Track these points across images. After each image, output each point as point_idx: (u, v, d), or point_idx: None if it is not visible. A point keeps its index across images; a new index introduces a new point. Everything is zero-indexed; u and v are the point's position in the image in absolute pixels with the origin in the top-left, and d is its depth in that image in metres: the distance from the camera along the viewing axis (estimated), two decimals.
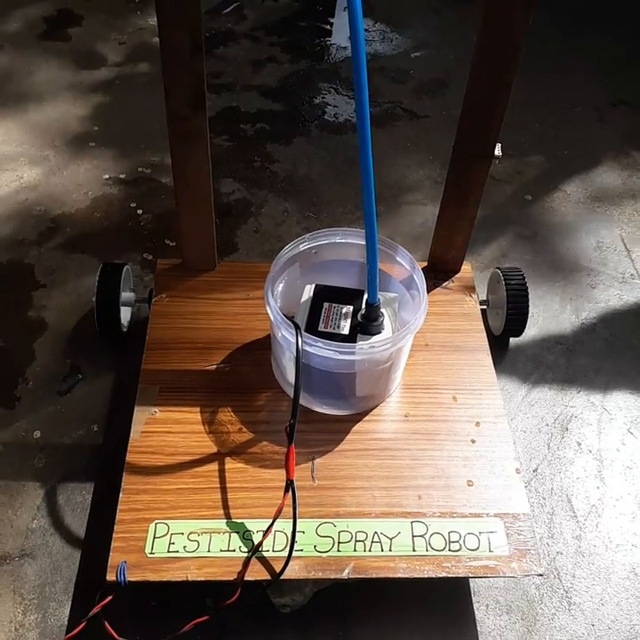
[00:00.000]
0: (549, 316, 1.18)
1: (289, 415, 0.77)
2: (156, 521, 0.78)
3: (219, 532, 0.77)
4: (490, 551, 0.77)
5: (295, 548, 0.75)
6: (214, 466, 0.83)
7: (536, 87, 1.64)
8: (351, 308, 0.86)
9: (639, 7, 1.97)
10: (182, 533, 0.77)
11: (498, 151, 0.90)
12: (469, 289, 1.04)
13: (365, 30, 1.84)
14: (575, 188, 1.43)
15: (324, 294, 0.88)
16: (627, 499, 0.95)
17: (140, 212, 1.31)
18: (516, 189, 1.41)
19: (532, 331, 1.15)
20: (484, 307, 1.11)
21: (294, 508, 0.76)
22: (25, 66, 1.63)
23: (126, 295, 1.06)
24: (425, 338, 0.96)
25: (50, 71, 1.62)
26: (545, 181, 1.44)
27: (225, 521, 0.78)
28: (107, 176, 1.38)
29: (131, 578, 0.73)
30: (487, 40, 0.80)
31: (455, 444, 0.87)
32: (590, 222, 1.36)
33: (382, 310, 0.84)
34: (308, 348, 0.78)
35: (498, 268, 1.11)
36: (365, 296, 0.82)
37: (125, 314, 1.08)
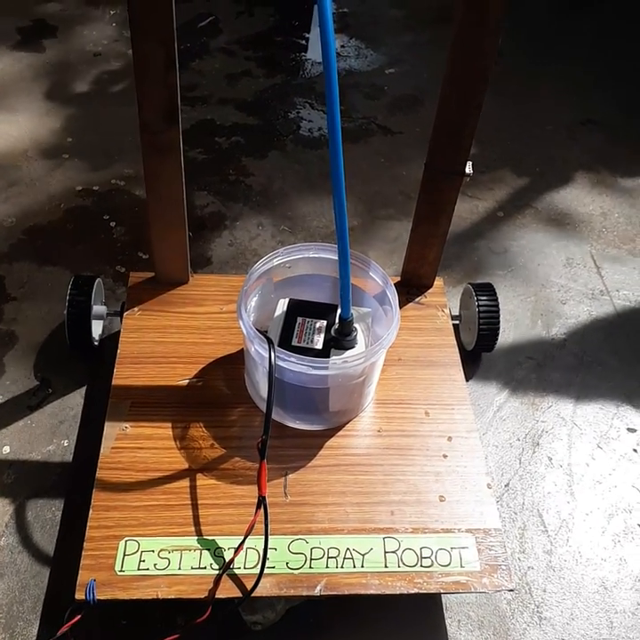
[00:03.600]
0: (520, 331, 1.19)
1: (262, 430, 0.76)
2: (127, 538, 0.77)
3: (190, 550, 0.76)
4: (461, 567, 0.77)
5: (267, 565, 0.75)
6: (186, 482, 0.82)
7: (508, 105, 1.66)
8: (325, 322, 0.86)
9: (607, 32, 2.02)
10: (153, 551, 0.76)
11: (468, 169, 0.91)
12: (442, 304, 1.05)
13: (340, 46, 1.86)
14: (546, 205, 1.45)
15: (298, 309, 0.88)
16: (596, 513, 0.96)
17: (113, 224, 1.30)
18: (488, 206, 1.43)
19: (504, 345, 1.15)
20: (457, 322, 1.12)
21: (266, 525, 0.75)
22: None
23: (98, 308, 1.05)
24: (398, 353, 0.97)
25: (23, 82, 1.61)
26: (516, 198, 1.46)
27: (196, 538, 0.77)
28: (80, 188, 1.37)
29: (100, 596, 0.72)
30: (457, 61, 0.81)
31: (427, 460, 0.87)
32: (560, 239, 1.38)
33: (356, 325, 0.84)
34: (281, 363, 0.78)
35: (470, 283, 1.12)
36: (339, 311, 0.82)
37: (97, 327, 1.07)
